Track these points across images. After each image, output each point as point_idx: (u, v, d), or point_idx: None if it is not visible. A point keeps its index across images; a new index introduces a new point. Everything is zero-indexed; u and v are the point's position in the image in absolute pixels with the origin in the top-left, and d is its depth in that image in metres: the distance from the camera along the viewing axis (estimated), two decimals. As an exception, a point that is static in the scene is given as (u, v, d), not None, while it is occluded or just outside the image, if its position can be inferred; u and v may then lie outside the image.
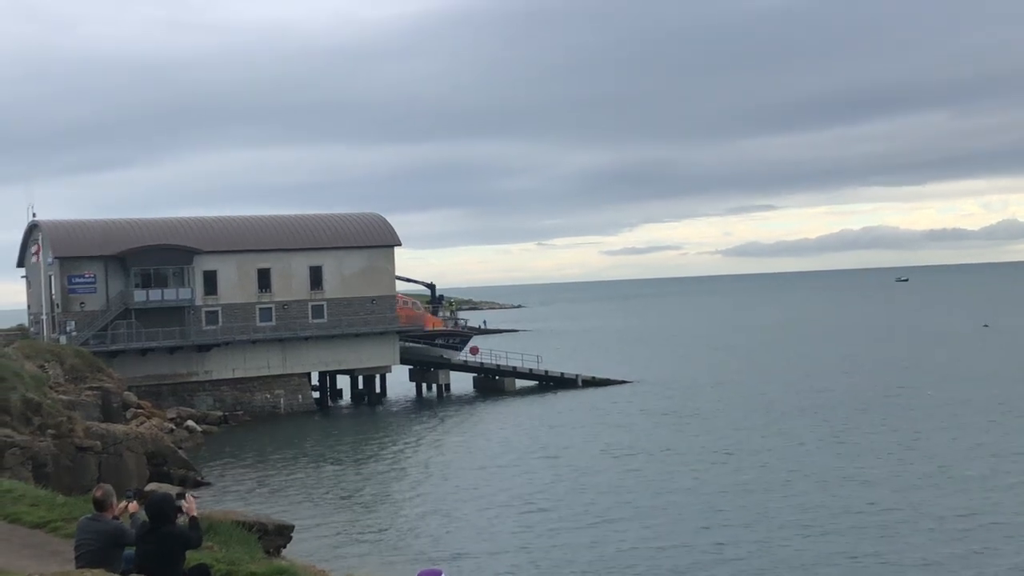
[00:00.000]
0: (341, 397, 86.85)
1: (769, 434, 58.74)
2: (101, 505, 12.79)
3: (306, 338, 79.06)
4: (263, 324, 78.48)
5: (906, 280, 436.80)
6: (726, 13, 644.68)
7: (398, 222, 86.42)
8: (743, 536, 36.79)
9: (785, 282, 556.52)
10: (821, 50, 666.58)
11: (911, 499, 41.24)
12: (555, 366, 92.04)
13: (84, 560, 12.63)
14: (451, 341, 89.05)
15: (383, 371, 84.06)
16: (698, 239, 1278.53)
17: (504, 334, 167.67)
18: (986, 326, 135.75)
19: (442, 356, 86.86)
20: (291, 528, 34.59)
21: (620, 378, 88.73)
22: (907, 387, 76.39)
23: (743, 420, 64.43)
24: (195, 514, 12.64)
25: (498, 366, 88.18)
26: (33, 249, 79.91)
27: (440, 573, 10.48)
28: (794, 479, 46.08)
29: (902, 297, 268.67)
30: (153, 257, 75.83)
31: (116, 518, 12.83)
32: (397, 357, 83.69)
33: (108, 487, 13.16)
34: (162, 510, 12.30)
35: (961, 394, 71.16)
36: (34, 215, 79.55)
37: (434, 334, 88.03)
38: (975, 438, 54.14)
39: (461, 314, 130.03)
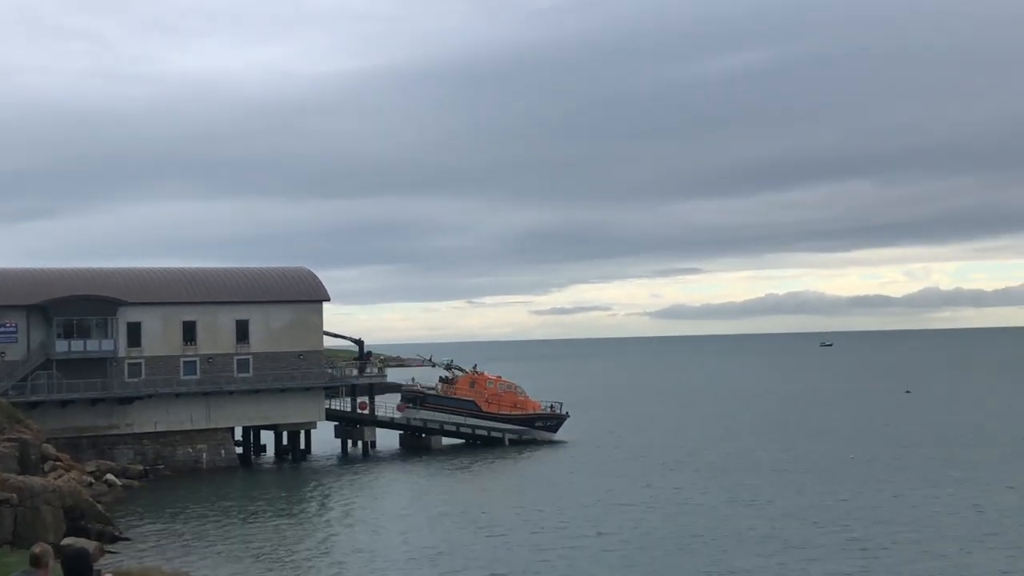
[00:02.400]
0: (265, 452, 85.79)
1: (679, 493, 58.92)
2: (38, 561, 12.48)
3: (231, 392, 78.17)
4: (187, 377, 77.50)
5: (830, 345, 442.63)
6: (658, 82, 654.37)
7: (327, 277, 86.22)
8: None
9: (711, 345, 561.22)
10: (751, 119, 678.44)
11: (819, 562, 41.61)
12: (483, 424, 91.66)
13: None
14: (549, 423, 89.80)
15: (308, 427, 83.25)
16: (626, 300, 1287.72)
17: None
18: (908, 392, 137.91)
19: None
20: (211, 585, 34.15)
21: (546, 437, 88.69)
22: (828, 450, 77.19)
23: (658, 476, 64.63)
24: None
25: (425, 423, 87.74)
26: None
27: None
28: (700, 536, 46.25)
29: (826, 362, 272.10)
30: (76, 307, 74.73)
31: None
32: (323, 413, 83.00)
33: (48, 547, 12.88)
34: (79, 565, 12.07)
35: (883, 457, 72.07)
36: (-45, 262, 78.14)
37: (533, 417, 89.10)
38: (895, 500, 54.77)
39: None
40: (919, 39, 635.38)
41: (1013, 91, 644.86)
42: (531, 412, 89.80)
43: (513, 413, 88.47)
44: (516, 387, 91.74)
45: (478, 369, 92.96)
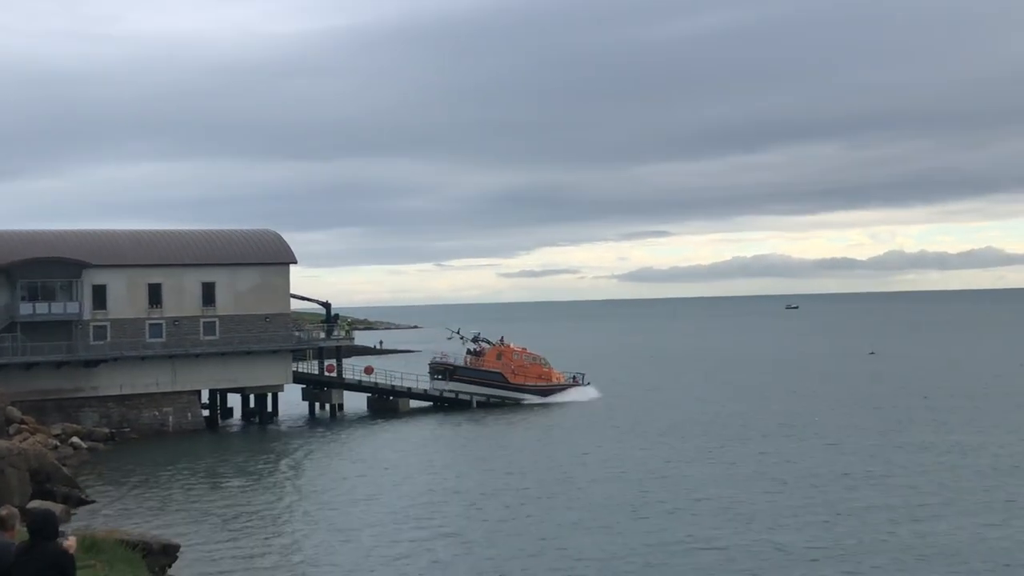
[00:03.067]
0: (232, 416, 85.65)
1: (648, 458, 59.30)
2: (4, 524, 12.38)
3: (197, 355, 77.89)
4: (153, 340, 77.16)
5: (796, 307, 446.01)
6: (626, 43, 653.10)
7: (295, 240, 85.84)
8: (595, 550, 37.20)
9: (679, 307, 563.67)
10: (720, 80, 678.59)
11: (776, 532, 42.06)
12: (450, 386, 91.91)
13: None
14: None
15: (275, 390, 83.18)
16: (595, 263, 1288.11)
17: (400, 354, 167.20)
18: (872, 353, 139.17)
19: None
20: (177, 548, 34.12)
21: (515, 398, 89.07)
22: (796, 412, 77.85)
23: (627, 441, 65.04)
24: (73, 553, 12.32)
25: (393, 386, 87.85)
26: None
27: None
28: (671, 504, 46.63)
29: (792, 324, 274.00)
30: (41, 270, 74.17)
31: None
32: (290, 376, 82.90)
33: (15, 510, 12.78)
34: (45, 525, 12.03)
35: (848, 420, 72.80)
36: (-84, 224, 77.30)
37: (556, 387, 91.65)
38: (860, 464, 55.35)
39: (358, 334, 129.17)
40: (888, 1, 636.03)
41: (978, 54, 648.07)
42: (555, 383, 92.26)
43: (538, 384, 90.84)
44: (541, 358, 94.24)
45: (505, 341, 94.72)
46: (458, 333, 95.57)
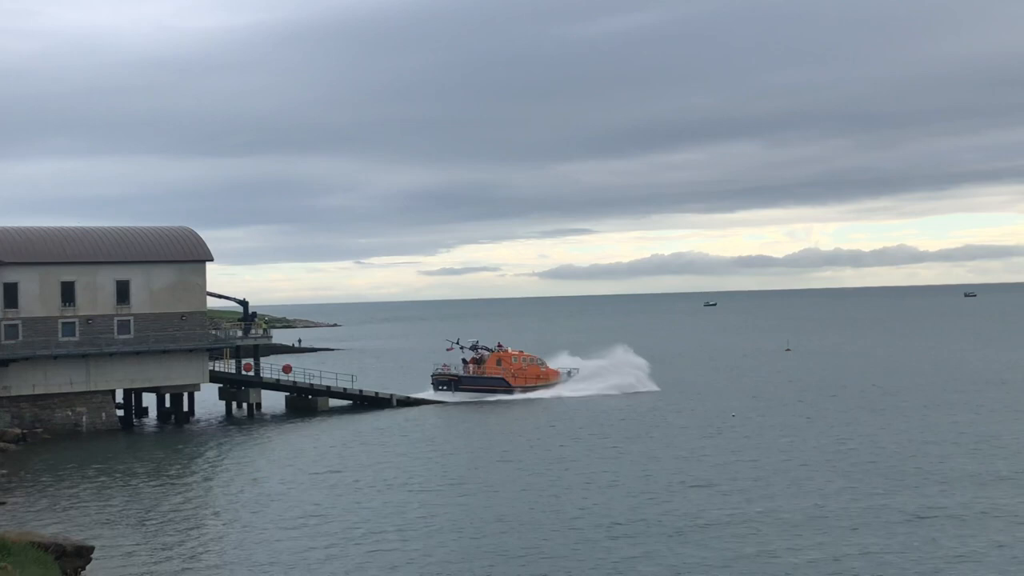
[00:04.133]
0: (147, 415, 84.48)
1: (548, 458, 59.67)
2: None
3: (111, 354, 76.72)
4: (66, 339, 75.84)
5: (714, 304, 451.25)
6: (549, 42, 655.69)
7: (212, 237, 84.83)
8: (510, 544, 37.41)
9: (599, 304, 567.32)
10: (642, 79, 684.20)
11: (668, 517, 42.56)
12: (370, 385, 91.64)
13: None
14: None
15: (192, 389, 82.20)
16: (515, 261, 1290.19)
17: (319, 352, 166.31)
18: (788, 349, 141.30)
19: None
20: (91, 549, 33.66)
21: (435, 398, 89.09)
22: (712, 410, 78.80)
23: (536, 438, 65.36)
24: None
25: (311, 385, 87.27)
26: None
27: None
28: (580, 496, 46.99)
29: (710, 321, 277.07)
30: (-52, 268, 72.53)
31: None
32: (206, 375, 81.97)
33: None
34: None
35: (764, 416, 73.85)
36: None
37: (555, 385, 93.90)
38: (770, 457, 56.18)
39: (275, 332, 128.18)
40: (809, 3, 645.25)
41: (895, 54, 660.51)
42: (553, 381, 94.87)
43: (538, 384, 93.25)
44: (537, 359, 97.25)
45: (502, 345, 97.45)
46: (457, 343, 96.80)
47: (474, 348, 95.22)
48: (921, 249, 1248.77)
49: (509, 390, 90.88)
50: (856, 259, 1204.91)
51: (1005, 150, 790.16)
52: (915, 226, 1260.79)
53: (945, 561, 35.36)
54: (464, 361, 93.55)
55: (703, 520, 41.88)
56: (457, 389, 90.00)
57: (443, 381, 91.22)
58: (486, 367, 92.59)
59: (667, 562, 36.06)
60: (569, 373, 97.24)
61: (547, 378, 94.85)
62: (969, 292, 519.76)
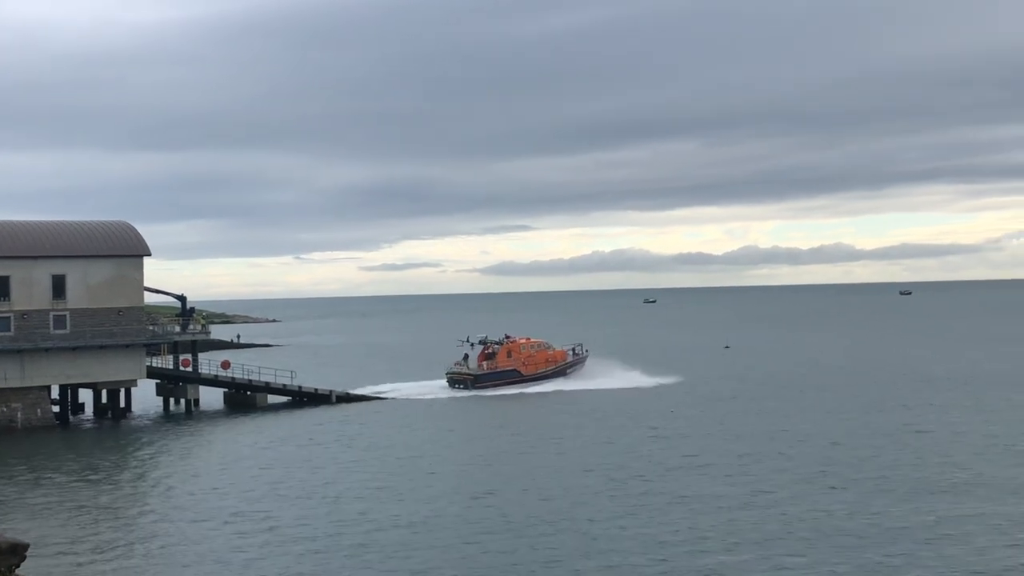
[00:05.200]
0: (83, 411, 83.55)
1: (482, 450, 59.95)
2: None
3: (47, 349, 75.78)
4: (1, 334, 74.76)
5: (654, 301, 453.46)
6: (490, 38, 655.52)
7: (150, 232, 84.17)
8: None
9: (540, 301, 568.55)
10: (584, 77, 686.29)
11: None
12: (310, 381, 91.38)
13: None
14: (576, 366, 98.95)
15: (129, 385, 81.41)
16: (456, 257, 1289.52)
17: (258, 348, 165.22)
18: (727, 347, 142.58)
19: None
20: (25, 547, 33.18)
21: (375, 394, 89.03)
22: (653, 408, 79.43)
23: (474, 434, 65.62)
24: None
25: (250, 381, 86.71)
26: None
27: None
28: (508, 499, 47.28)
29: (650, 317, 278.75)
30: None
31: None
32: (143, 371, 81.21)
33: None
34: None
35: (703, 412, 74.58)
36: None
37: (565, 366, 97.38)
38: (701, 458, 56.81)
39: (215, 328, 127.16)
40: (751, 2, 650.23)
41: (835, 54, 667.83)
42: (562, 362, 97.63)
43: (549, 368, 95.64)
44: (544, 343, 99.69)
45: (509, 336, 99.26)
46: (467, 341, 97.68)
47: (483, 343, 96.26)
48: (858, 247, 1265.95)
49: (523, 380, 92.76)
50: (793, 257, 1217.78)
51: (942, 150, 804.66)
52: (852, 225, 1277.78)
53: (882, 556, 36.04)
54: (465, 356, 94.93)
55: (617, 513, 42.32)
56: (473, 387, 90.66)
57: (459, 380, 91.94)
58: (499, 361, 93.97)
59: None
60: (574, 351, 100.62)
61: (555, 360, 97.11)
62: (905, 290, 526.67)
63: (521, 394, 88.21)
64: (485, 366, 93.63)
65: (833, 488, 46.80)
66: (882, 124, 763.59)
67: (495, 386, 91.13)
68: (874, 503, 43.45)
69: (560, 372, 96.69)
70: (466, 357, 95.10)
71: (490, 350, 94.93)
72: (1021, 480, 47.65)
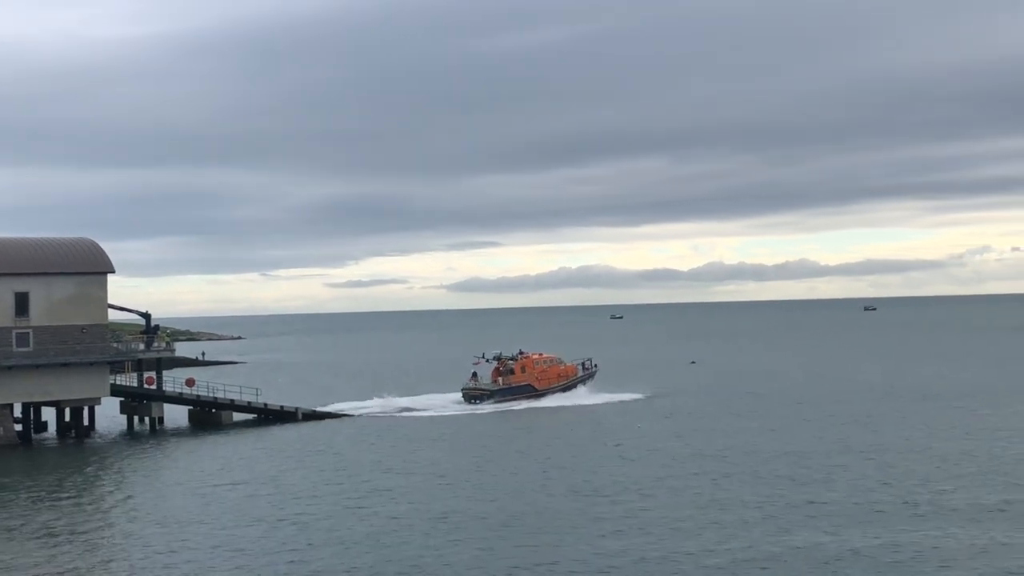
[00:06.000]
0: (46, 430, 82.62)
1: (450, 470, 59.78)
2: None
3: (10, 367, 74.91)
4: (-39, 352, 73.86)
5: (620, 317, 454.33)
6: (458, 55, 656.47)
7: (114, 249, 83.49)
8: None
9: (507, 317, 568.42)
10: (552, 93, 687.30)
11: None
12: (275, 399, 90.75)
13: None
14: (586, 380, 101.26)
15: (92, 403, 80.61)
16: (423, 273, 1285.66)
17: (223, 365, 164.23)
18: (693, 362, 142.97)
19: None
20: (-14, 568, 32.83)
21: (341, 411, 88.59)
22: (619, 424, 79.46)
23: (433, 455, 65.42)
24: None
25: (215, 398, 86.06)
26: None
27: None
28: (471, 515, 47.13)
29: (616, 333, 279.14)
30: None
31: None
32: (107, 388, 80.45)
33: None
34: None
35: (669, 429, 74.67)
36: None
37: (576, 380, 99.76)
38: (665, 472, 56.83)
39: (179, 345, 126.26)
40: (714, 16, 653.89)
41: (799, 72, 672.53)
42: (573, 376, 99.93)
43: (560, 382, 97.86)
44: (555, 358, 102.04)
45: (522, 352, 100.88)
46: (483, 357, 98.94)
47: (498, 359, 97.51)
48: (822, 263, 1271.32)
49: (537, 394, 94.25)
50: (759, 273, 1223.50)
51: (905, 166, 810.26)
52: (816, 240, 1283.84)
53: (833, 558, 36.09)
54: (474, 375, 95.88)
55: (591, 516, 42.26)
56: (489, 402, 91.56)
57: (475, 396, 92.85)
58: (514, 377, 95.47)
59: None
60: (583, 365, 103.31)
61: (567, 375, 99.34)
62: (869, 306, 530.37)
63: (494, 411, 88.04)
64: (501, 381, 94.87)
65: (795, 506, 46.94)
66: (845, 140, 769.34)
67: (510, 400, 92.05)
68: (829, 516, 43.60)
69: (572, 386, 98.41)
70: (474, 375, 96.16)
71: (504, 366, 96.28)
72: (979, 500, 47.92)
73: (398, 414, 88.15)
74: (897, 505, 45.97)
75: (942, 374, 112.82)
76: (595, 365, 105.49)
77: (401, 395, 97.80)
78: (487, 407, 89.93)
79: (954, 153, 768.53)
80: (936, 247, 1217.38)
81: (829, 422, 74.85)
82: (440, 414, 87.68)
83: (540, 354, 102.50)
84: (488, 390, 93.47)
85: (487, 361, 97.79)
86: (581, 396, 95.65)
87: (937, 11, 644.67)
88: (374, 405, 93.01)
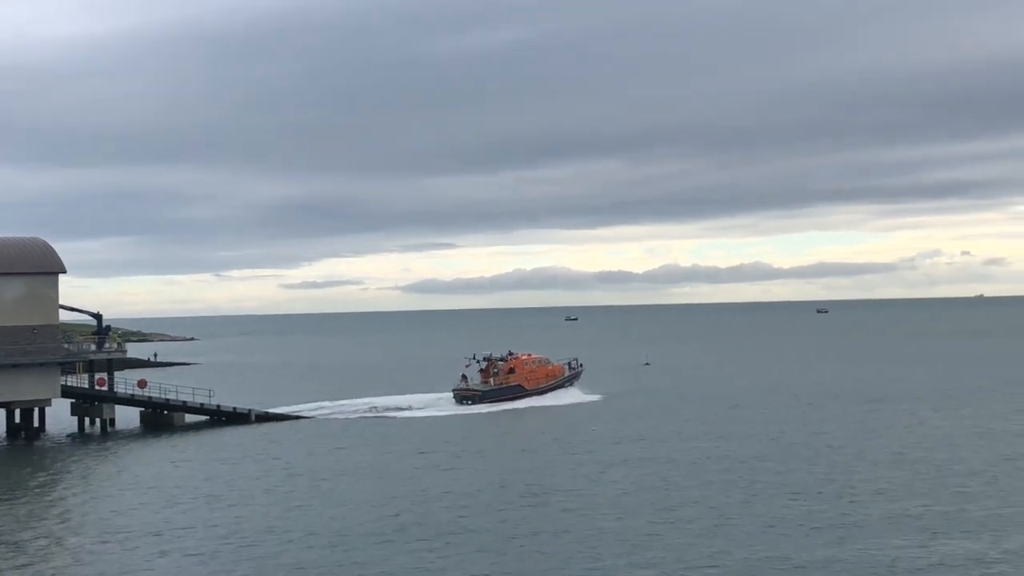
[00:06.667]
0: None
1: (394, 474, 60.03)
2: None
3: (-43, 369, 74.30)
4: (-91, 353, 73.19)
5: (576, 319, 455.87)
6: (415, 55, 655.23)
7: (66, 249, 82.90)
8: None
9: (462, 318, 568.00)
10: (508, 94, 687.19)
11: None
12: (228, 400, 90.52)
13: None
14: (573, 380, 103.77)
15: (43, 404, 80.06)
16: (378, 274, 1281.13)
17: (176, 367, 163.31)
18: (647, 364, 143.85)
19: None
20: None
21: (295, 413, 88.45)
22: (573, 426, 79.91)
23: (382, 455, 65.64)
24: None
25: (167, 400, 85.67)
26: None
27: None
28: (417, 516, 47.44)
29: (570, 335, 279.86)
30: None
31: None
32: (58, 390, 79.94)
33: None
34: None
35: (621, 430, 75.21)
36: None
37: (564, 380, 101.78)
38: (617, 474, 57.36)
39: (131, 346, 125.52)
40: (672, 17, 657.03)
41: (754, 74, 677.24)
42: (561, 376, 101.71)
43: (550, 382, 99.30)
44: (543, 359, 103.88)
45: (512, 353, 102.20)
46: (474, 358, 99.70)
47: (488, 359, 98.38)
48: (776, 266, 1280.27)
49: (527, 394, 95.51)
50: (713, 275, 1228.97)
51: (857, 170, 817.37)
52: (770, 243, 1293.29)
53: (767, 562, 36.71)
54: (463, 376, 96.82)
55: (533, 528, 42.67)
56: (480, 402, 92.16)
57: (467, 396, 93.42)
58: (503, 376, 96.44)
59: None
60: (570, 365, 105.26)
61: (555, 375, 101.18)
62: (821, 308, 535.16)
63: (453, 414, 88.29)
64: (492, 382, 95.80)
65: (747, 502, 47.59)
66: (799, 144, 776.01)
67: (500, 401, 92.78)
68: (780, 524, 44.26)
69: (559, 386, 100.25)
70: (464, 377, 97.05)
71: (495, 367, 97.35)
72: (903, 507, 48.76)
73: (353, 416, 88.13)
74: (810, 510, 46.74)
75: (887, 377, 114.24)
76: (581, 365, 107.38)
77: (358, 396, 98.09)
78: (478, 408, 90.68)
79: (905, 157, 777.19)
80: (887, 251, 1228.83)
81: (768, 424, 75.70)
82: (398, 416, 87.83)
83: (529, 355, 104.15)
84: (479, 391, 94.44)
85: (477, 362, 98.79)
86: (569, 396, 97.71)
87: (888, 16, 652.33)
88: (332, 406, 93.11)
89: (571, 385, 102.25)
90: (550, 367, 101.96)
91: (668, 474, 56.07)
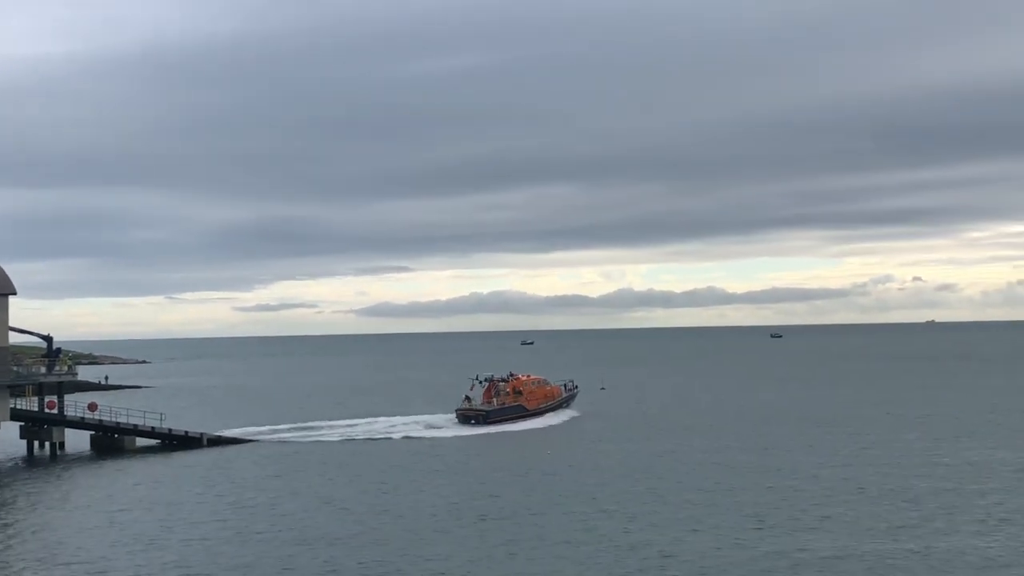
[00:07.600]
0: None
1: (339, 495, 59.84)
2: None
3: (-97, 392, 73.24)
4: None
5: (531, 343, 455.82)
6: (368, 79, 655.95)
7: (15, 270, 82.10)
8: None
9: (417, 342, 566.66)
10: (463, 119, 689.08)
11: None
12: (180, 424, 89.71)
13: None
14: (570, 400, 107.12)
15: (-9, 428, 79.09)
16: (333, 298, 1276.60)
17: (127, 390, 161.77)
18: (603, 388, 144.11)
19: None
20: None
21: (248, 436, 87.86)
22: (521, 454, 79.89)
23: (331, 480, 65.37)
24: None
25: (118, 423, 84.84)
26: None
27: None
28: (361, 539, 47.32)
29: (527, 359, 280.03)
30: None
31: None
32: (7, 413, 78.98)
33: None
34: None
35: (577, 457, 75.28)
36: None
37: (562, 400, 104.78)
38: (572, 498, 57.42)
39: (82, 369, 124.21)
40: (626, 47, 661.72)
41: (709, 102, 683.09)
42: (559, 397, 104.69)
43: (548, 402, 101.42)
44: (543, 380, 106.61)
45: (513, 374, 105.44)
46: (477, 379, 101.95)
47: (490, 380, 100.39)
48: (729, 291, 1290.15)
49: (528, 415, 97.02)
50: (667, 300, 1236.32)
51: (810, 197, 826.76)
52: (724, 269, 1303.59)
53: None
54: (466, 397, 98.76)
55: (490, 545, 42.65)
56: (487, 423, 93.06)
57: (471, 416, 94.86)
58: (505, 397, 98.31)
59: None
60: (565, 386, 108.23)
61: (554, 395, 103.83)
62: (775, 333, 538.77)
63: (407, 437, 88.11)
64: (495, 402, 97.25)
65: (696, 531, 47.79)
66: (752, 171, 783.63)
67: (503, 421, 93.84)
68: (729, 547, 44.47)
69: (558, 406, 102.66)
70: (467, 399, 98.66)
71: (496, 387, 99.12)
72: (866, 522, 49.20)
73: (306, 440, 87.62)
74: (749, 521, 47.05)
75: (836, 400, 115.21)
76: (576, 386, 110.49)
77: (318, 420, 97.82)
78: (482, 428, 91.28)
79: (857, 184, 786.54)
80: (840, 276, 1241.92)
81: (719, 446, 76.13)
82: (357, 438, 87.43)
83: (528, 375, 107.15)
84: (483, 411, 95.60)
85: (480, 383, 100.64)
86: (565, 416, 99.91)
87: (839, 46, 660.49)
88: (288, 429, 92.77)
89: (567, 406, 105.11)
90: (548, 388, 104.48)
91: (614, 500, 56.20)
